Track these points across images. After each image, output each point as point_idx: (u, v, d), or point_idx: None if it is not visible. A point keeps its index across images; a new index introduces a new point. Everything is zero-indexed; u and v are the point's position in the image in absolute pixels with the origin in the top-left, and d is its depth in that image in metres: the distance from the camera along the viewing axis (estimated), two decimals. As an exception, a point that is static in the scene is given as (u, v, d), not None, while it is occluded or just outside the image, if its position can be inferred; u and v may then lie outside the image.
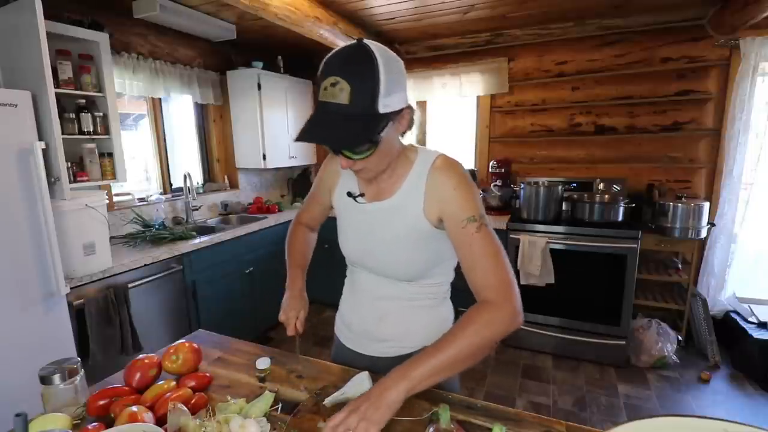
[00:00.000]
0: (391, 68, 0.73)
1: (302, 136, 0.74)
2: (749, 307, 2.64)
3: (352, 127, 0.72)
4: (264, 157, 3.23)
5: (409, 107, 0.79)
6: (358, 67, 0.71)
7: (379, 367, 0.96)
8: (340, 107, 0.71)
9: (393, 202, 0.88)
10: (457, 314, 1.05)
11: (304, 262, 1.11)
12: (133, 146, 2.84)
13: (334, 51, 0.75)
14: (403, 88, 0.76)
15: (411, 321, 0.96)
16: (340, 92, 0.70)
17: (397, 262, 0.90)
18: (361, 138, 0.74)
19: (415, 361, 0.72)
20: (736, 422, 0.53)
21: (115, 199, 2.54)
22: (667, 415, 0.56)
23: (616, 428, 0.57)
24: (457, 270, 0.91)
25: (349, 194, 0.94)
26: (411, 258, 0.89)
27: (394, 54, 0.77)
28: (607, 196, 2.81)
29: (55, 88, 1.72)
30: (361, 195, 0.93)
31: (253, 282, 2.79)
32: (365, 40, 0.74)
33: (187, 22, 2.53)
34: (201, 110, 3.27)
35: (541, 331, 2.75)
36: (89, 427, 0.73)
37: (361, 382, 0.85)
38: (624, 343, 2.54)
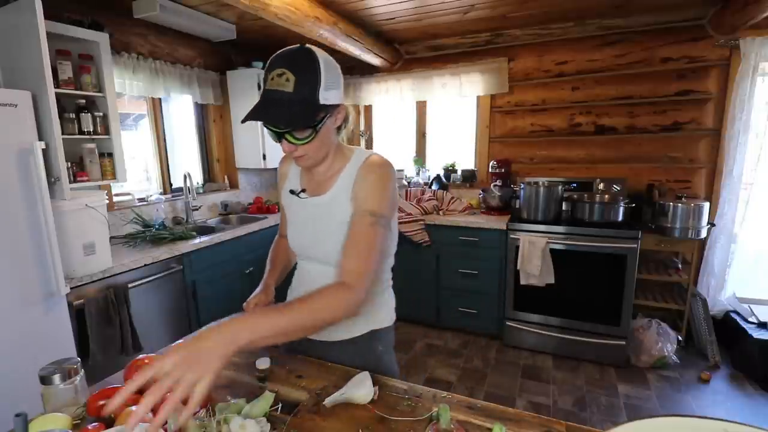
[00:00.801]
0: (330, 69, 0.85)
1: (251, 116, 0.81)
2: (749, 307, 2.64)
3: (296, 111, 0.81)
4: (264, 157, 3.22)
5: (344, 106, 0.92)
6: (303, 63, 0.82)
7: (330, 352, 1.02)
8: (285, 94, 0.80)
9: (330, 196, 0.97)
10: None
11: (279, 264, 1.19)
12: (133, 146, 2.84)
13: (280, 51, 0.84)
14: (339, 89, 0.88)
15: None
16: (286, 82, 0.80)
17: (339, 250, 0.95)
18: (303, 120, 0.83)
19: (260, 315, 0.71)
20: (736, 422, 0.53)
21: (115, 199, 2.54)
22: (667, 415, 0.56)
23: (616, 428, 0.57)
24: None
25: (292, 192, 1.03)
26: None
27: (334, 60, 0.87)
28: (607, 196, 2.81)
29: (55, 88, 1.72)
30: (303, 191, 1.01)
31: (253, 282, 2.76)
32: (308, 45, 0.85)
33: (187, 22, 2.53)
34: (201, 110, 3.27)
35: (541, 331, 2.75)
36: (89, 427, 0.72)
37: (361, 381, 0.85)
38: (624, 343, 2.54)
